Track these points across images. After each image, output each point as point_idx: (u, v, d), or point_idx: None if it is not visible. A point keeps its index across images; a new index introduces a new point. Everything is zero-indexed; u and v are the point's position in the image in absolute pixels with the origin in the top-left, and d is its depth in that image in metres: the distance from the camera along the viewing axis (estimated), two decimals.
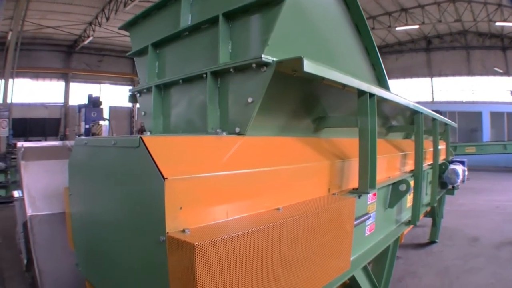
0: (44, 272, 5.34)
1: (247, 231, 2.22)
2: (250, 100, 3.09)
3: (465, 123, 30.74)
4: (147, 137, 2.36)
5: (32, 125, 34.77)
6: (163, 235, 2.14)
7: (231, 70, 3.27)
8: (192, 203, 2.26)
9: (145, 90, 4.60)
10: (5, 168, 15.78)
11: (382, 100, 4.09)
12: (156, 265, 2.29)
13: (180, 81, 3.93)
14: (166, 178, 2.10)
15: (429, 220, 10.07)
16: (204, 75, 3.51)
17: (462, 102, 34.45)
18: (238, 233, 2.16)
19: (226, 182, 2.51)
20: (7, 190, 15.50)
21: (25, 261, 6.42)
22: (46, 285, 5.41)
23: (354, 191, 3.80)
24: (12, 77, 24.67)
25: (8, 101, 23.08)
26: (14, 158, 15.79)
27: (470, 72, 35.28)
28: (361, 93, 3.67)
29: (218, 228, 2.28)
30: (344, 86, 3.51)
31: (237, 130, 3.16)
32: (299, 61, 2.68)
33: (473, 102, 34.23)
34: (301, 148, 3.69)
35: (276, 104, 3.46)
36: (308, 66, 2.71)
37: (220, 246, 2.05)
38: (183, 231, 2.15)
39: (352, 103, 3.83)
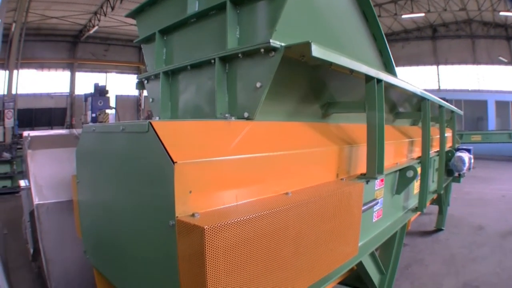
0: (51, 260, 5.34)
1: (257, 214, 2.22)
2: (258, 85, 3.08)
3: (471, 112, 30.65)
4: (156, 122, 2.36)
5: (38, 115, 34.79)
6: (173, 219, 2.14)
7: (240, 55, 3.27)
8: (201, 187, 2.26)
9: (152, 77, 4.59)
10: (10, 158, 15.80)
11: (389, 86, 4.09)
12: (165, 250, 2.29)
13: (188, 67, 3.92)
14: (176, 162, 2.10)
15: (435, 208, 10.09)
16: (213, 61, 3.50)
17: (468, 91, 34.35)
18: (248, 217, 2.16)
19: (235, 167, 2.51)
20: (12, 180, 15.54)
21: (31, 251, 6.42)
22: (54, 273, 5.41)
23: (362, 176, 3.80)
24: (17, 68, 24.68)
25: (13, 92, 23.12)
26: (20, 149, 15.83)
27: (475, 61, 35.17)
28: (368, 78, 3.65)
29: (228, 212, 2.29)
30: (351, 71, 3.50)
31: (246, 115, 3.17)
32: (307, 45, 2.67)
33: (478, 91, 34.12)
34: (310, 133, 3.68)
35: (284, 89, 3.46)
36: (316, 51, 2.70)
37: (229, 230, 2.05)
38: (193, 215, 2.15)
39: (359, 89, 3.82)
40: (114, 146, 2.97)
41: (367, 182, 3.70)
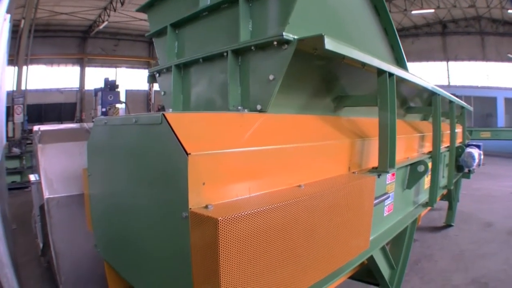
0: (61, 254, 5.35)
1: (270, 206, 2.21)
2: (271, 77, 3.08)
3: (480, 108, 30.55)
4: (169, 114, 2.35)
5: (48, 110, 34.80)
6: (186, 211, 2.14)
7: (252, 48, 3.26)
8: (214, 179, 2.26)
9: (164, 70, 4.59)
10: (20, 153, 15.86)
11: (400, 80, 4.08)
12: (177, 242, 2.30)
13: (201, 60, 3.92)
14: (189, 154, 2.09)
15: (445, 204, 10.06)
16: (225, 54, 3.50)
17: (477, 87, 34.24)
18: (261, 209, 2.15)
19: (249, 159, 2.51)
20: (22, 175, 15.61)
21: (41, 245, 6.43)
22: (63, 268, 5.42)
23: (373, 170, 3.80)
24: (26, 64, 24.71)
25: (23, 88, 23.14)
26: (30, 144, 15.90)
27: (484, 58, 35.03)
28: (380, 72, 3.64)
29: (241, 204, 2.28)
30: (363, 65, 3.50)
31: (259, 107, 3.16)
32: (320, 38, 2.67)
33: (488, 88, 34.01)
34: (322, 126, 3.68)
35: (297, 82, 3.44)
36: (329, 44, 2.70)
37: (243, 222, 2.04)
38: (206, 207, 2.15)
39: (371, 83, 3.82)
40: (126, 138, 2.97)
41: (378, 175, 3.70)
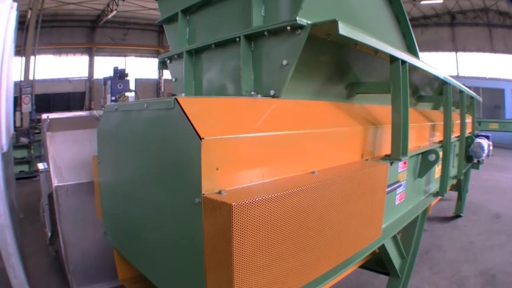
0: (70, 243, 5.35)
1: (284, 192, 2.18)
2: (284, 62, 3.04)
3: (489, 100, 30.43)
4: (182, 98, 2.32)
5: (56, 99, 34.71)
6: (199, 196, 2.11)
7: (265, 33, 3.22)
8: (228, 164, 2.24)
9: (176, 56, 4.56)
10: (28, 143, 15.90)
11: (412, 68, 4.05)
12: (190, 228, 2.27)
13: (213, 45, 3.88)
14: (203, 138, 2.07)
15: (454, 194, 10.09)
16: (237, 39, 3.46)
17: (485, 79, 34.11)
18: (276, 195, 2.13)
19: (262, 144, 2.48)
20: (30, 165, 15.66)
21: (49, 234, 6.43)
22: (72, 256, 5.42)
23: (386, 157, 3.78)
24: (34, 54, 24.74)
25: (30, 77, 23.18)
26: (38, 133, 15.93)
27: (492, 49, 34.84)
28: (393, 59, 3.62)
29: (255, 189, 2.25)
30: (376, 52, 3.49)
31: (272, 92, 3.13)
32: (334, 24, 2.64)
33: (496, 79, 33.88)
34: (335, 112, 3.65)
35: (309, 68, 3.41)
36: (343, 29, 2.67)
37: (257, 207, 2.02)
38: (219, 192, 2.13)
39: (383, 70, 3.81)
40: (137, 124, 2.94)
41: (391, 163, 3.68)
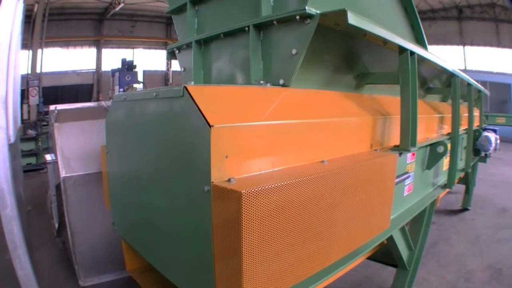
0: (77, 234, 5.37)
1: (294, 181, 2.17)
2: (294, 51, 3.03)
3: (496, 94, 30.28)
4: (191, 86, 2.32)
5: (64, 92, 34.62)
6: (208, 184, 2.11)
7: (274, 22, 3.21)
8: (237, 152, 2.23)
9: (184, 46, 4.54)
10: (35, 135, 15.94)
11: (421, 60, 4.04)
12: (199, 217, 2.27)
13: (222, 35, 3.87)
14: (212, 126, 2.06)
15: (461, 187, 10.10)
16: (246, 28, 3.45)
17: (492, 73, 34.00)
18: (285, 183, 2.12)
19: (271, 132, 2.47)
20: (37, 157, 15.71)
21: (56, 226, 6.46)
22: (79, 247, 5.44)
23: (395, 148, 3.77)
24: (41, 48, 24.80)
25: (38, 70, 23.24)
26: (45, 125, 15.97)
27: (499, 44, 34.72)
28: (402, 50, 3.61)
29: (264, 178, 2.24)
30: (385, 42, 3.46)
31: (281, 81, 3.12)
32: (343, 13, 2.63)
33: (503, 74, 33.76)
34: (344, 102, 3.65)
35: (318, 58, 3.39)
36: (352, 19, 2.66)
37: (267, 196, 2.01)
38: (229, 180, 2.12)
39: (392, 61, 3.80)
40: (146, 113, 2.95)
41: (400, 154, 3.67)
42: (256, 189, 1.95)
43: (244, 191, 1.90)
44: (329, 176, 2.46)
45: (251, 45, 3.38)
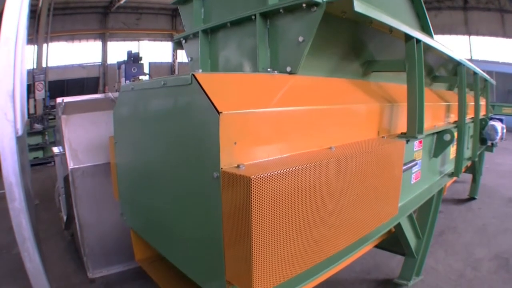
0: (86, 226, 5.39)
1: (303, 166, 2.19)
2: (301, 39, 3.03)
3: (502, 84, 30.19)
4: (199, 74, 2.32)
5: (70, 85, 34.53)
6: (217, 171, 2.12)
7: (281, 10, 3.19)
8: (246, 138, 2.24)
9: (191, 36, 4.54)
10: (42, 129, 15.96)
11: (427, 48, 4.04)
12: (208, 204, 2.29)
13: (228, 24, 3.87)
14: (221, 113, 2.07)
15: (468, 177, 10.13)
16: (253, 17, 3.44)
17: (498, 63, 33.88)
18: (294, 168, 2.13)
19: (280, 119, 2.48)
20: (44, 151, 15.74)
21: (64, 218, 6.47)
22: (88, 239, 5.46)
23: (402, 135, 3.78)
24: (46, 42, 24.82)
25: (43, 65, 23.27)
26: (52, 119, 15.99)
27: (505, 34, 34.60)
28: (408, 38, 3.62)
29: (273, 164, 2.25)
30: (391, 30, 3.46)
31: (288, 69, 3.12)
32: (349, 1, 2.63)
33: (509, 64, 33.65)
34: (351, 89, 3.66)
35: (325, 45, 3.39)
36: (358, 7, 2.67)
37: (276, 181, 2.02)
38: (238, 166, 2.14)
39: (398, 49, 3.82)
40: (154, 102, 2.96)
41: (407, 141, 3.67)
42: (265, 175, 1.97)
43: (253, 176, 1.92)
44: (337, 162, 2.48)
45: (258, 33, 3.38)
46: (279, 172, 2.04)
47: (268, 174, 1.98)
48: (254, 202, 1.94)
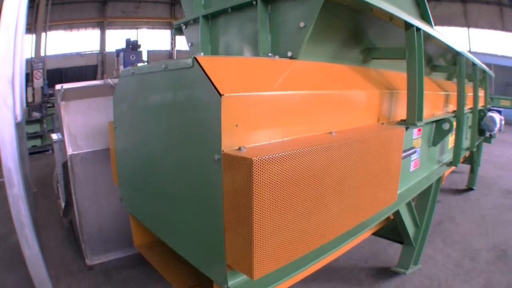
0: (85, 212, 5.39)
1: (304, 149, 2.19)
2: (302, 24, 3.02)
3: (500, 77, 30.22)
4: (201, 57, 2.31)
5: (69, 73, 34.35)
6: (219, 153, 2.12)
7: None
8: (247, 121, 2.24)
9: (191, 22, 4.51)
10: (40, 117, 15.95)
11: (427, 37, 4.05)
12: (208, 188, 2.29)
13: (229, 9, 3.85)
14: (223, 95, 2.06)
15: (466, 167, 10.17)
16: (254, 2, 3.42)
17: (497, 56, 33.88)
18: (295, 151, 2.14)
19: (281, 103, 2.48)
20: (42, 139, 15.74)
21: (63, 205, 6.47)
22: (86, 226, 5.47)
23: (402, 122, 3.79)
24: (45, 31, 24.78)
25: (42, 54, 23.23)
26: (50, 107, 15.98)
27: (504, 28, 34.59)
28: (408, 26, 3.63)
29: (274, 146, 2.26)
30: (391, 18, 3.47)
31: (289, 54, 3.11)
32: None
33: (507, 57, 33.66)
34: (352, 75, 3.65)
35: (326, 32, 3.39)
36: None
37: (277, 164, 2.03)
38: (239, 149, 2.14)
39: (398, 38, 3.81)
40: (155, 86, 2.95)
41: (406, 128, 3.68)
42: (266, 157, 1.97)
43: (255, 158, 1.92)
44: (338, 146, 2.48)
45: (259, 18, 3.36)
46: (280, 154, 2.04)
47: (270, 156, 1.99)
48: (255, 184, 1.94)
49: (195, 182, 2.47)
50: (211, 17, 4.23)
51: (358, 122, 3.27)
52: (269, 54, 3.18)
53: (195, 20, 4.37)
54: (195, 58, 2.28)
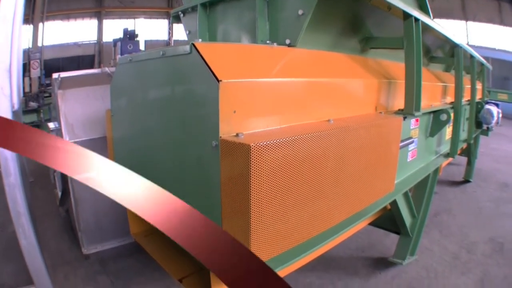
0: (81, 201, 5.38)
1: (302, 136, 2.19)
2: (300, 12, 3.03)
3: (498, 70, 30.23)
4: (199, 43, 2.31)
5: (66, 63, 34.16)
6: (216, 139, 2.12)
7: None
8: (245, 108, 2.24)
9: (189, 10, 4.50)
10: (37, 107, 15.92)
11: (425, 27, 4.04)
12: (206, 174, 2.29)
13: None
14: (221, 81, 2.06)
15: (463, 160, 10.18)
16: None
17: (495, 49, 33.90)
18: (293, 138, 2.14)
19: (279, 89, 2.48)
20: (40, 129, 15.70)
21: (59, 194, 6.45)
22: (82, 214, 5.46)
23: (399, 112, 3.78)
24: (42, 22, 24.74)
25: (39, 44, 23.20)
26: (47, 97, 15.96)
27: (502, 22, 34.62)
28: (406, 16, 3.61)
29: (272, 133, 2.25)
30: (389, 7, 3.46)
31: (288, 42, 3.12)
32: None
33: (505, 51, 33.68)
34: (350, 64, 3.65)
35: (324, 20, 3.37)
36: None
37: (275, 150, 2.03)
38: (237, 135, 2.14)
39: (396, 28, 3.81)
40: (153, 73, 2.94)
41: (404, 118, 3.67)
42: (264, 143, 1.97)
43: (253, 144, 1.92)
44: (336, 134, 2.48)
45: (258, 6, 3.35)
46: (278, 141, 2.04)
47: (268, 142, 1.99)
48: (253, 170, 1.94)
49: (193, 168, 2.47)
50: (209, 5, 4.21)
51: (356, 111, 3.26)
52: (267, 42, 3.17)
53: (193, 8, 4.36)
54: (193, 45, 2.28)
